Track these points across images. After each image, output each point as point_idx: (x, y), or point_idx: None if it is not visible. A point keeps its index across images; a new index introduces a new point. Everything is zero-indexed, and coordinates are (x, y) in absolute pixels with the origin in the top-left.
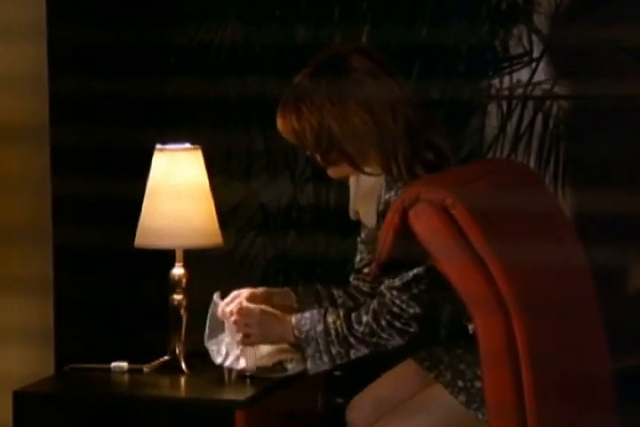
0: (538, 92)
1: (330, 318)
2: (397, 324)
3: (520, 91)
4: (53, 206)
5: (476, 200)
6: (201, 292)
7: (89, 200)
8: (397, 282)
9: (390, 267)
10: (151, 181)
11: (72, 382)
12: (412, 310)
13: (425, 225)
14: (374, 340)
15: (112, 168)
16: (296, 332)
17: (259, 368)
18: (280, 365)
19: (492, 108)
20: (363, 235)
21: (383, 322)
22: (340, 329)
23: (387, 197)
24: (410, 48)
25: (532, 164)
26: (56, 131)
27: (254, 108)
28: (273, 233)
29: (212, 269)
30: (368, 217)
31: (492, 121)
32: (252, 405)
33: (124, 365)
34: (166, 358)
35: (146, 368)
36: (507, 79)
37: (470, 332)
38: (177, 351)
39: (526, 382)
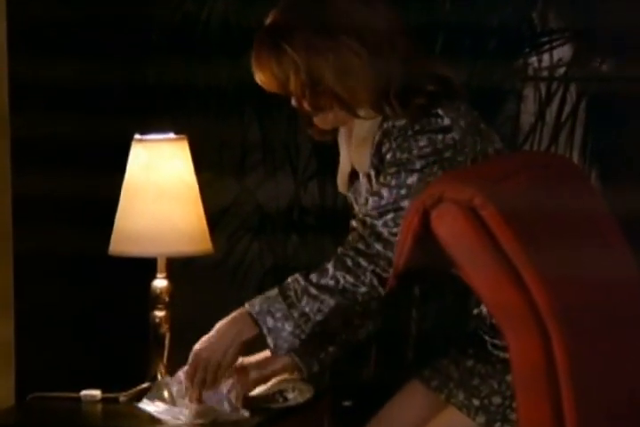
0: (582, 72)
1: (286, 281)
2: (363, 262)
3: (561, 71)
4: (14, 207)
5: (508, 200)
6: (187, 307)
7: (55, 200)
8: (372, 212)
9: (408, 277)
10: (128, 178)
11: (35, 413)
12: (378, 247)
13: (449, 229)
14: (338, 285)
15: (82, 163)
16: (250, 308)
17: (257, 398)
18: (281, 394)
19: (529, 91)
20: (356, 208)
21: (348, 261)
22: (297, 283)
23: (379, 139)
24: (432, 22)
25: (574, 157)
26: (17, 120)
27: (249, 93)
28: (271, 238)
29: (200, 280)
30: (362, 162)
31: (529, 107)
32: None
33: (97, 393)
34: (146, 385)
35: (122, 397)
36: (546, 57)
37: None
38: (159, 377)
39: (568, 410)
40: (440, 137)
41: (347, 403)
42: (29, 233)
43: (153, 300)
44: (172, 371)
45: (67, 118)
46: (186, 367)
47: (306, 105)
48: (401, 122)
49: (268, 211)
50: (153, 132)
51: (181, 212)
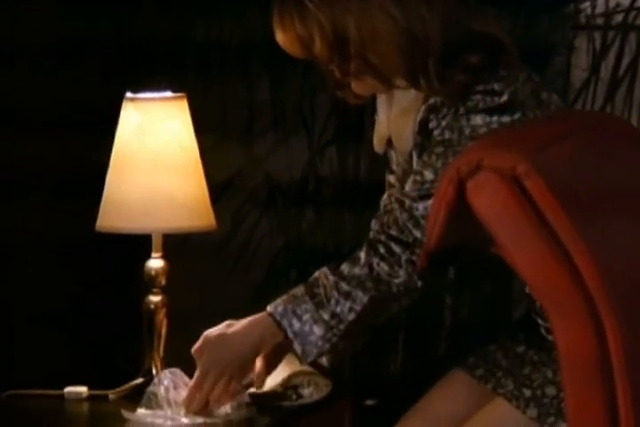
0: None
1: (313, 275)
2: (397, 249)
3: (619, 19)
4: None
5: (557, 168)
6: (186, 292)
7: (35, 170)
8: (412, 193)
9: (442, 257)
10: (118, 143)
11: (13, 413)
12: (417, 234)
13: (489, 201)
14: (372, 276)
15: (66, 127)
16: (272, 310)
17: (267, 395)
18: (294, 390)
19: (581, 42)
20: (394, 166)
21: (381, 248)
22: (325, 279)
23: (424, 116)
24: None
25: (634, 119)
26: None
27: (256, 47)
28: (283, 214)
29: (202, 261)
30: (403, 140)
31: (581, 60)
32: None
33: (83, 390)
34: (139, 380)
35: (112, 395)
36: (601, 3)
37: (540, 324)
38: (153, 372)
39: (623, 404)
40: (495, 117)
41: (370, 402)
42: (3, 208)
43: (147, 283)
44: (168, 365)
45: (48, 76)
46: (173, 370)
47: (336, 72)
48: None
49: (279, 182)
50: (147, 90)
51: (180, 182)
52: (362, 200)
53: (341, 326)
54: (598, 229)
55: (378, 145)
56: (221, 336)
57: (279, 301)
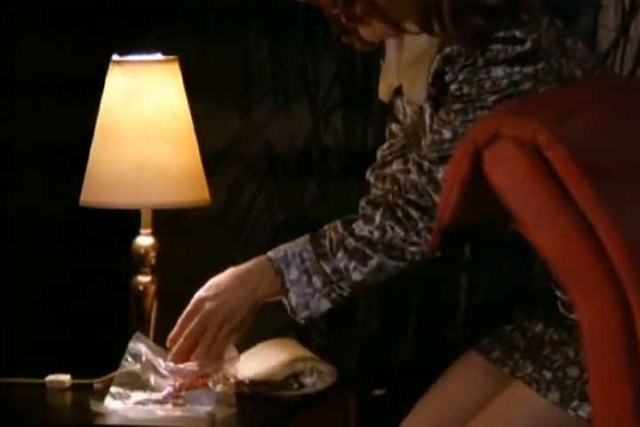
0: None
1: (323, 227)
2: (415, 214)
3: None
4: None
5: (581, 138)
6: (178, 272)
7: (11, 141)
8: (431, 155)
9: (455, 235)
10: (104, 111)
11: None
12: (436, 198)
13: (507, 173)
14: (385, 238)
15: (46, 93)
16: (271, 254)
17: (265, 383)
18: (295, 379)
19: (609, 0)
20: (400, 116)
21: (398, 211)
22: (334, 231)
23: (439, 67)
24: None
25: None
26: None
27: (255, 5)
28: (283, 186)
29: (195, 238)
30: (414, 91)
31: (609, 20)
32: None
33: (66, 379)
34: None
35: (97, 384)
36: None
37: (558, 295)
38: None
39: None
40: (517, 68)
41: (378, 392)
42: None
43: (135, 262)
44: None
45: (27, 38)
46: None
47: (342, 17)
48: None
49: (280, 152)
50: (136, 52)
51: (171, 153)
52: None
53: (342, 284)
54: (624, 201)
55: (384, 93)
56: (216, 279)
57: (281, 246)
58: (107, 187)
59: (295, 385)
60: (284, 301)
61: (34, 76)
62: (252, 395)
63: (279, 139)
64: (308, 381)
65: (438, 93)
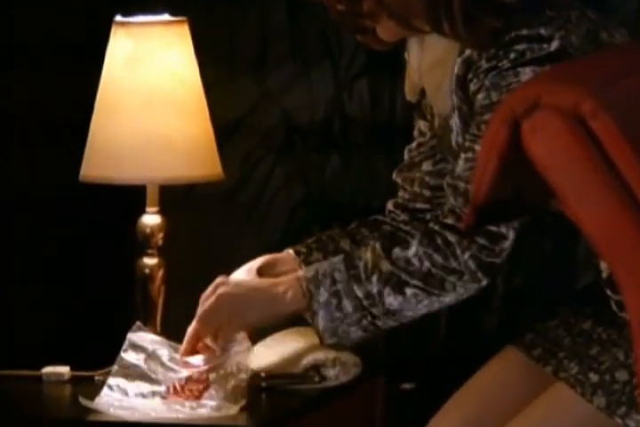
0: None
1: (356, 253)
2: (453, 239)
3: None
4: None
5: (628, 106)
6: (187, 254)
7: (8, 112)
8: (464, 174)
9: (491, 213)
10: (107, 78)
11: None
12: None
13: (547, 145)
14: (422, 267)
15: (44, 58)
16: (303, 272)
17: (283, 376)
18: (316, 371)
19: None
20: (428, 116)
21: (437, 238)
22: (371, 252)
23: (461, 71)
24: None
25: None
26: None
27: None
28: (303, 160)
29: (205, 217)
30: (438, 100)
31: None
32: None
33: (65, 370)
34: None
35: (98, 376)
36: None
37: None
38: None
39: None
40: (548, 68)
41: (407, 386)
42: None
43: (141, 243)
44: (168, 339)
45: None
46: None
47: (345, 13)
48: (490, 50)
49: (298, 122)
50: (141, 13)
51: (179, 123)
52: (397, 144)
53: (375, 311)
54: None
55: (409, 92)
56: (239, 282)
57: (314, 264)
58: (109, 160)
59: (316, 378)
60: (310, 321)
61: (32, 42)
62: (267, 389)
63: (298, 108)
64: (329, 373)
65: (464, 103)
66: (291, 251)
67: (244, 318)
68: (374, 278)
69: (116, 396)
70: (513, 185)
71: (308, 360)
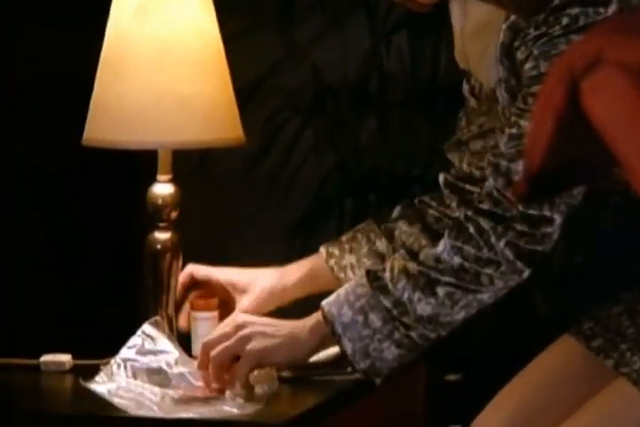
0: None
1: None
2: (488, 226)
3: None
4: None
5: None
6: (203, 228)
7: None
8: (509, 151)
9: (547, 182)
10: (112, 30)
11: None
12: (517, 205)
13: (611, 106)
14: (453, 262)
15: (41, 10)
16: (323, 303)
17: (311, 365)
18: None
19: None
20: (472, 102)
21: (470, 227)
22: (396, 260)
23: (506, 39)
24: None
25: None
26: None
27: None
28: (334, 122)
29: (223, 187)
30: (482, 71)
31: None
32: None
33: (65, 359)
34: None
35: (103, 365)
36: None
37: None
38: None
39: None
40: (610, 20)
41: (452, 377)
42: None
43: (151, 215)
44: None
45: None
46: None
47: None
48: (539, 16)
49: (330, 80)
50: None
51: (195, 81)
52: (440, 105)
53: (407, 320)
54: None
55: (460, 60)
56: (267, 338)
57: (335, 293)
58: (115, 122)
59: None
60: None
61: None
62: (291, 380)
63: (329, 64)
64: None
65: (511, 75)
66: (322, 251)
67: (269, 362)
68: (401, 285)
69: (121, 374)
70: (571, 151)
71: (336, 349)
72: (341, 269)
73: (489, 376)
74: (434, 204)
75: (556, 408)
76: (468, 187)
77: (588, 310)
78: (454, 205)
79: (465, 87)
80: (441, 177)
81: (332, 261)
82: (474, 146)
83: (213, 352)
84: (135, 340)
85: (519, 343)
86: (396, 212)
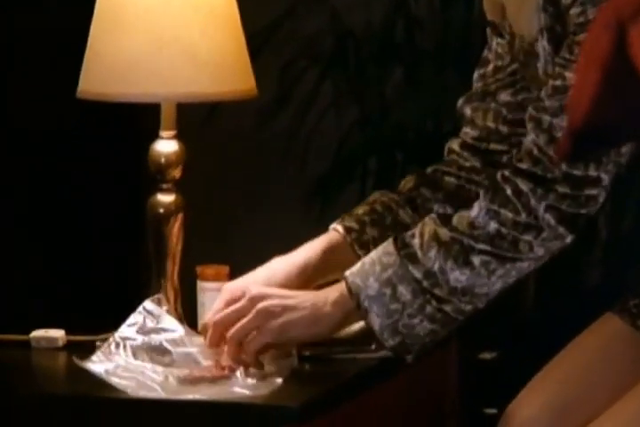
0: None
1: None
2: (525, 187)
3: None
4: None
5: None
6: (210, 190)
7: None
8: (553, 105)
9: (592, 139)
10: None
11: None
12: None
13: None
14: (488, 227)
15: None
16: (348, 274)
17: (333, 342)
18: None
19: None
20: (499, 48)
21: (507, 188)
22: (426, 225)
23: None
24: None
25: None
26: None
27: None
28: (356, 73)
29: (234, 144)
30: (522, 20)
31: None
32: (322, 414)
33: (58, 335)
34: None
35: (100, 341)
36: None
37: None
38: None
39: None
40: None
41: (487, 355)
42: None
43: (153, 176)
44: (184, 297)
45: None
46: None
47: None
48: None
49: (351, 26)
50: None
51: (203, 28)
52: (474, 54)
53: (439, 292)
54: None
55: (490, 11)
56: (287, 311)
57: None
58: (113, 72)
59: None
60: (365, 324)
61: None
62: (312, 358)
63: (350, 8)
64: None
65: (556, 22)
66: (340, 228)
67: (289, 338)
68: (432, 253)
69: (123, 356)
70: (617, 105)
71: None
72: (363, 246)
73: (526, 355)
74: (452, 170)
75: (597, 393)
76: (492, 146)
77: (634, 286)
78: (479, 166)
79: (489, 29)
80: (453, 143)
81: (350, 237)
82: (504, 97)
83: (232, 330)
84: (136, 317)
85: (561, 320)
86: (409, 181)
